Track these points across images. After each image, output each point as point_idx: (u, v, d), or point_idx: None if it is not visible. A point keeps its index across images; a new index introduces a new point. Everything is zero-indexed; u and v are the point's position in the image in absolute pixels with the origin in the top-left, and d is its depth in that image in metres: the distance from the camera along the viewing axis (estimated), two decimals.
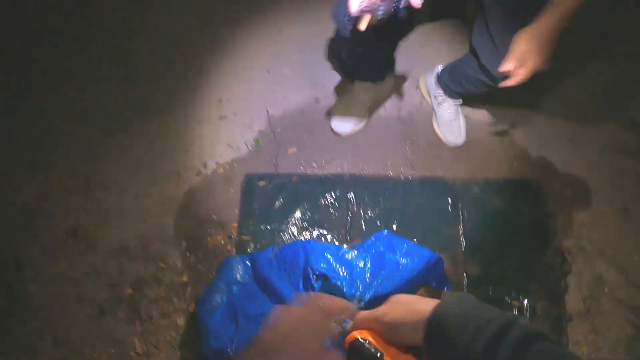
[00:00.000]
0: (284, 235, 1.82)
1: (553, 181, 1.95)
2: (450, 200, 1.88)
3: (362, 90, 1.90)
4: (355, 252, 1.36)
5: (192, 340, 1.69)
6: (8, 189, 1.92)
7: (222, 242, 1.82)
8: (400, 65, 2.08)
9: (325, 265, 1.29)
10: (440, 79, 1.91)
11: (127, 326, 1.73)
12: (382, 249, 1.37)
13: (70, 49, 2.14)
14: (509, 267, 1.81)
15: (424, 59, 2.10)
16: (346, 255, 1.34)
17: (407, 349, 0.75)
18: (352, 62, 1.77)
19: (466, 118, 2.01)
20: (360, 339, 0.76)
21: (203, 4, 2.19)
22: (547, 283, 1.80)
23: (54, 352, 1.71)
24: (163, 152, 1.97)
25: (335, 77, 2.07)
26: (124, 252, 1.82)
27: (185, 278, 1.78)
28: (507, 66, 1.29)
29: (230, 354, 1.26)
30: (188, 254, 1.81)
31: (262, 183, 1.89)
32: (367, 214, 1.86)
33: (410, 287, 1.33)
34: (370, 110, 2.01)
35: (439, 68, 1.93)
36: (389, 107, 2.04)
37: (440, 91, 1.92)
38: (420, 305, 0.69)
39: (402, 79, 2.08)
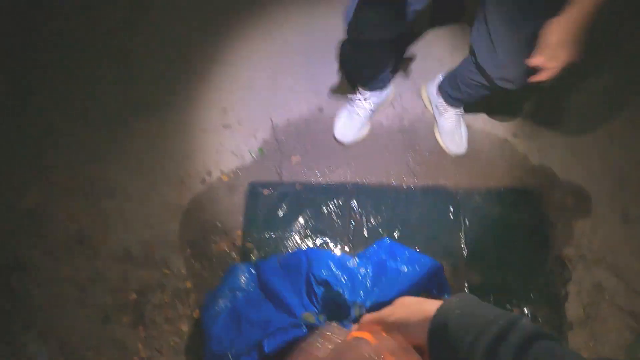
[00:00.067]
0: (288, 242, 1.84)
1: (553, 189, 1.97)
2: (451, 209, 1.90)
3: (365, 99, 1.92)
4: (357, 259, 1.38)
5: (196, 346, 1.70)
6: (12, 193, 1.93)
7: (226, 249, 1.84)
8: (403, 75, 2.10)
9: (327, 273, 1.31)
10: (440, 87, 1.92)
11: (131, 331, 1.74)
12: (383, 256, 1.39)
13: (71, 49, 2.15)
14: (510, 274, 1.83)
15: (426, 68, 2.12)
16: (348, 263, 1.36)
17: None
18: (356, 69, 1.79)
19: (468, 127, 2.03)
20: (358, 338, 0.77)
21: (206, 10, 2.21)
22: (547, 290, 1.81)
23: (58, 356, 1.72)
24: (167, 159, 1.98)
25: (339, 87, 2.08)
26: (128, 258, 1.84)
27: (189, 284, 1.80)
28: (537, 60, 1.22)
29: (231, 359, 1.27)
30: (192, 260, 1.83)
31: (266, 191, 1.91)
32: (370, 222, 1.88)
33: (411, 294, 1.34)
34: (372, 119, 2.03)
35: (440, 77, 1.95)
36: (392, 117, 2.06)
37: (442, 100, 1.93)
38: (425, 305, 0.69)
39: (405, 88, 2.10)
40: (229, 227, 1.87)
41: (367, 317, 0.80)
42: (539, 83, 1.30)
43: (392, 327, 0.73)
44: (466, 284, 1.80)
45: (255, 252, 1.81)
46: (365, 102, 1.92)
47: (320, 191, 1.92)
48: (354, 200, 1.90)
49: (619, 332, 1.78)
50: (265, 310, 1.35)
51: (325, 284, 1.29)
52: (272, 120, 2.04)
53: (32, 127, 2.03)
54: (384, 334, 0.74)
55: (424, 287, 1.41)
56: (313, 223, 1.87)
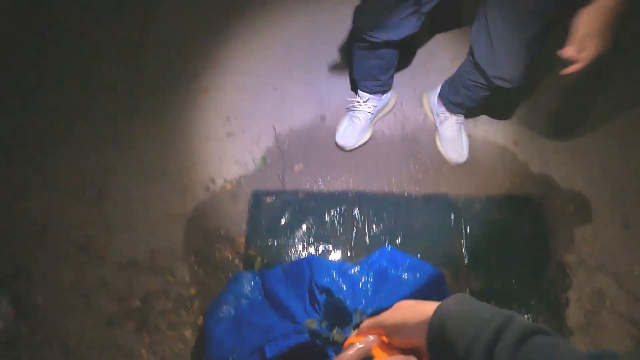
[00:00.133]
0: (290, 250, 1.86)
1: (554, 196, 1.98)
2: (453, 216, 1.92)
3: (364, 102, 1.93)
4: (359, 267, 1.39)
5: (199, 352, 1.70)
6: (15, 197, 1.93)
7: (230, 256, 1.85)
8: (404, 83, 2.12)
9: (328, 280, 1.33)
10: (441, 94, 1.94)
11: (135, 337, 1.75)
12: (385, 264, 1.40)
13: (71, 49, 2.17)
14: (511, 281, 1.84)
15: (427, 76, 2.14)
16: (349, 271, 1.37)
17: (410, 351, 0.77)
18: (359, 70, 1.80)
19: (468, 135, 2.04)
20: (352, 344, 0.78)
21: (210, 17, 2.22)
22: (548, 297, 1.82)
23: None
24: (171, 167, 1.99)
25: (341, 95, 2.09)
26: (133, 265, 1.85)
27: (193, 291, 1.81)
28: (567, 51, 1.20)
29: None
30: (196, 267, 1.84)
31: (269, 199, 1.93)
32: (372, 229, 1.89)
33: None
34: (374, 125, 2.05)
35: (441, 85, 1.96)
36: (393, 125, 2.08)
37: (443, 108, 1.95)
38: (423, 307, 0.69)
39: (406, 96, 2.11)
40: (233, 235, 1.88)
41: (366, 322, 0.81)
42: (569, 74, 1.26)
43: (391, 331, 0.74)
44: (467, 291, 1.81)
45: (258, 259, 1.83)
46: (365, 106, 1.93)
47: (322, 199, 1.94)
48: (356, 208, 1.92)
49: (620, 339, 1.79)
50: (269, 316, 1.36)
51: (327, 291, 1.31)
52: (275, 129, 2.06)
53: (32, 127, 2.04)
54: (383, 338, 0.76)
55: (425, 295, 1.42)
56: (315, 231, 1.88)
